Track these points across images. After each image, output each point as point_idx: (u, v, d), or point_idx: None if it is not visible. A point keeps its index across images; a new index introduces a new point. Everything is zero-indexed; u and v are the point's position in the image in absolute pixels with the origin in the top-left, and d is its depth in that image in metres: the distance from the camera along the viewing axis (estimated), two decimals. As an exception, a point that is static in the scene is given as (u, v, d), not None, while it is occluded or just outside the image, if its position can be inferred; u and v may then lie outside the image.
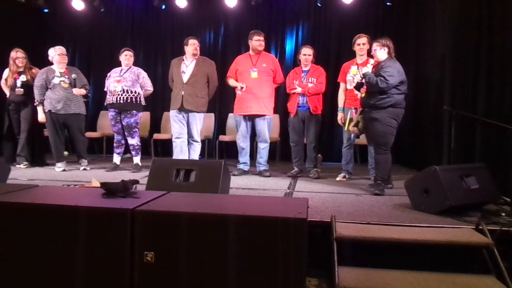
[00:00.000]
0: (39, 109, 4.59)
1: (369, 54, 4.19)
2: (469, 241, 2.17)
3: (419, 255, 2.25)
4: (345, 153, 4.31)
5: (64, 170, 4.52)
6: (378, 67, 3.54)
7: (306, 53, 4.46)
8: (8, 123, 4.98)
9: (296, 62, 4.95)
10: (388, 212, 2.75)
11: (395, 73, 3.40)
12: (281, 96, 5.58)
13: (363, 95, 3.68)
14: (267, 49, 6.02)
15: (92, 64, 6.87)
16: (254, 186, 3.76)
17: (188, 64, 4.49)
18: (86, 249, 1.99)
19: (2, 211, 2.08)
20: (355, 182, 4.11)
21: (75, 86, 4.58)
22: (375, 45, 3.60)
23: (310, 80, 4.43)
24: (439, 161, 4.15)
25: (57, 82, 4.51)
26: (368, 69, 3.58)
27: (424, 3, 5.22)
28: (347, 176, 4.29)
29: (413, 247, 2.21)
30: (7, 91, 4.89)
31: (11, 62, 4.83)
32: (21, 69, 4.81)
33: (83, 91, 4.67)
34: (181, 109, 4.41)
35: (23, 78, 4.76)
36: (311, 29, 6.40)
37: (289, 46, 6.48)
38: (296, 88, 4.42)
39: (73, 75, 4.61)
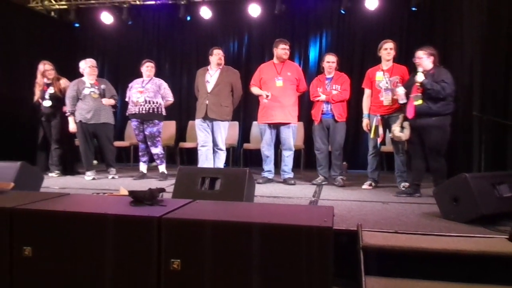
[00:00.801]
0: (70, 120, 4.75)
1: (393, 60, 4.15)
2: (502, 252, 2.09)
3: (449, 265, 2.18)
4: (370, 160, 4.25)
5: (93, 179, 4.65)
6: (427, 75, 3.50)
7: (330, 60, 4.45)
8: (42, 133, 5.19)
9: (319, 70, 4.94)
10: (416, 221, 2.69)
11: (452, 81, 3.46)
12: (305, 104, 5.57)
13: (401, 102, 3.65)
14: (291, 57, 6.04)
15: (120, 75, 7.06)
16: (279, 194, 3.75)
17: (212, 74, 4.56)
18: (114, 256, 2.04)
19: (36, 218, 2.16)
20: (382, 190, 4.04)
21: (104, 97, 4.72)
22: (422, 54, 3.57)
23: (334, 87, 4.41)
24: (469, 169, 4.03)
25: (87, 93, 4.67)
26: (423, 76, 3.48)
27: (450, 8, 5.12)
28: (373, 184, 4.22)
29: (442, 257, 2.14)
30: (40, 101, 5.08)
31: (38, 75, 5.03)
32: (50, 81, 5.00)
33: (112, 101, 4.81)
34: (206, 118, 4.48)
35: (51, 90, 4.96)
36: (335, 36, 6.39)
37: (313, 53, 6.48)
38: (320, 96, 4.41)
39: (102, 86, 4.76)
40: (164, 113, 4.77)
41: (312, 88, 4.57)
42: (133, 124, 4.76)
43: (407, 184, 3.90)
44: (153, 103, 4.63)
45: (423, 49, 3.60)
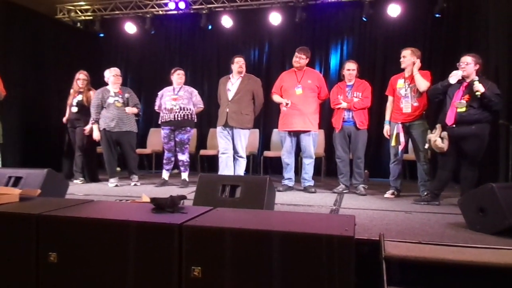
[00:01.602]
0: (95, 128, 4.87)
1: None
2: (532, 264, 2.01)
3: (475, 278, 2.12)
4: (392, 169, 4.18)
5: (116, 186, 4.73)
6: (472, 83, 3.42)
7: (350, 68, 4.43)
8: (67, 140, 5.33)
9: (340, 77, 4.92)
10: (441, 232, 2.62)
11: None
12: (326, 112, 5.55)
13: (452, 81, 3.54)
14: (312, 64, 6.04)
15: (143, 84, 7.21)
16: (299, 202, 3.73)
17: (234, 82, 4.60)
18: (136, 262, 2.07)
19: (61, 225, 2.22)
20: (404, 199, 3.97)
21: (127, 105, 4.82)
22: (470, 59, 3.49)
23: (355, 95, 4.37)
24: (495, 178, 3.92)
25: (111, 102, 4.78)
26: (480, 85, 3.37)
27: (476, 14, 5.03)
28: (395, 193, 4.15)
29: (468, 269, 2.08)
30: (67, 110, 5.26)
31: (74, 82, 5.22)
32: (82, 90, 5.15)
33: (134, 110, 4.90)
34: (226, 125, 4.51)
35: (79, 97, 5.11)
36: (356, 43, 6.36)
37: (334, 61, 6.46)
38: (341, 103, 4.38)
39: (126, 95, 4.85)
40: (195, 120, 4.84)
41: (332, 96, 4.54)
42: (164, 131, 4.81)
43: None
44: (187, 109, 4.71)
45: (472, 55, 3.52)
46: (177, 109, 4.68)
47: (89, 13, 7.34)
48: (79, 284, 2.15)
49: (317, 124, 4.53)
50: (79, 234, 2.17)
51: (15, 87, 5.58)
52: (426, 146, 3.74)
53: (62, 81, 6.47)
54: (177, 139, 4.75)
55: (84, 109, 5.07)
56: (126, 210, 2.47)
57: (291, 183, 4.56)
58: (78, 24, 7.43)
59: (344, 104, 4.36)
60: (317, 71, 4.95)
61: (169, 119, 4.71)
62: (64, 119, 5.31)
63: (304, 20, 6.30)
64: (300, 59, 4.50)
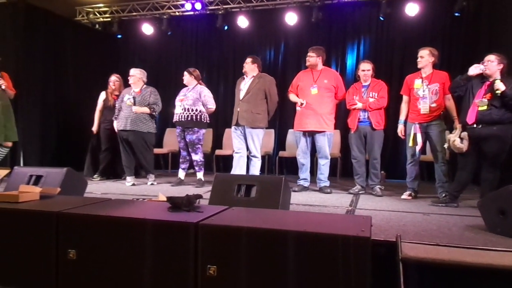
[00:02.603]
0: (114, 124, 5.03)
1: (433, 67, 4.03)
2: (555, 268, 1.96)
3: (494, 281, 2.08)
4: (409, 169, 4.13)
5: (133, 185, 4.80)
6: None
7: (365, 68, 4.40)
8: (96, 140, 5.42)
9: (356, 78, 4.88)
10: (459, 234, 2.58)
11: None
12: (342, 112, 5.51)
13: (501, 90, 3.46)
14: (328, 64, 6.01)
15: (160, 84, 7.25)
16: (315, 202, 3.72)
17: (246, 82, 4.61)
18: (152, 260, 2.09)
19: (80, 222, 2.26)
20: (422, 201, 3.91)
21: (135, 105, 4.83)
22: (494, 58, 3.41)
23: (371, 95, 4.33)
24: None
25: (126, 101, 4.86)
26: (503, 85, 3.29)
27: (497, 12, 4.92)
28: (412, 194, 4.09)
29: (487, 272, 2.04)
30: (98, 112, 5.44)
31: (108, 84, 5.41)
32: (116, 92, 5.29)
33: (142, 109, 4.81)
34: (238, 125, 4.52)
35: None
36: (373, 43, 6.30)
37: (350, 61, 6.41)
38: (356, 104, 4.35)
39: (141, 94, 4.88)
40: (205, 120, 4.84)
41: (348, 96, 4.51)
42: (176, 131, 4.89)
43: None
44: (192, 110, 4.72)
45: (496, 54, 3.44)
46: (181, 110, 4.72)
47: (107, 15, 7.47)
48: (97, 281, 2.19)
49: (332, 124, 4.50)
50: (97, 232, 2.21)
51: (37, 88, 5.72)
52: (446, 146, 3.68)
53: (81, 82, 6.63)
54: (187, 140, 4.79)
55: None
56: (143, 209, 2.50)
57: (306, 184, 4.55)
58: (97, 26, 7.55)
59: (359, 105, 4.33)
60: (334, 70, 4.91)
61: (177, 119, 4.78)
62: (97, 120, 5.44)
63: (320, 20, 6.28)
64: (309, 57, 4.49)
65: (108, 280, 2.16)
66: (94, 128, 5.43)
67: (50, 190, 2.89)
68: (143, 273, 2.11)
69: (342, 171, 5.86)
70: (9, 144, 4.66)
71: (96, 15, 7.49)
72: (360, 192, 4.36)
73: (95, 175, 5.27)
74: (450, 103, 3.97)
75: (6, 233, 2.40)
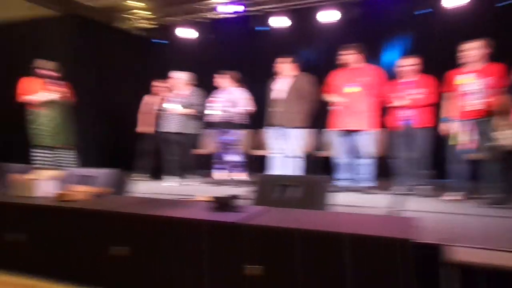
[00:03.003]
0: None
1: (485, 60, 3.86)
2: None
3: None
4: (457, 169, 3.97)
5: (176, 185, 4.94)
6: None
7: (407, 63, 4.28)
8: (142, 142, 5.64)
9: (397, 74, 4.75)
10: (510, 237, 2.46)
11: None
12: (384, 110, 5.38)
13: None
14: (367, 61, 5.88)
15: (200, 87, 7.41)
16: (357, 203, 3.66)
17: (283, 82, 4.61)
18: (195, 259, 2.15)
19: (130, 221, 2.37)
20: (471, 202, 3.75)
21: (185, 107, 5.00)
22: None
23: (415, 92, 4.21)
24: None
25: (171, 103, 5.03)
26: None
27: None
28: (460, 195, 3.94)
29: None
30: (141, 116, 5.69)
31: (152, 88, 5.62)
32: (160, 95, 5.50)
33: (187, 111, 5.00)
34: (276, 125, 4.53)
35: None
36: (415, 38, 6.10)
37: (390, 57, 6.25)
38: (397, 101, 4.24)
39: (188, 96, 5.04)
40: (242, 122, 4.91)
41: (388, 94, 4.41)
42: (213, 132, 4.99)
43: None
44: (230, 112, 4.80)
45: None
46: (220, 111, 4.81)
47: (150, 22, 7.70)
48: (148, 278, 2.28)
49: (373, 122, 4.41)
50: (146, 230, 2.31)
51: (88, 94, 6.02)
52: (498, 143, 3.51)
53: (127, 87, 6.89)
54: (224, 141, 4.87)
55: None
56: (187, 209, 2.58)
57: (348, 184, 4.49)
58: (141, 33, 7.82)
59: (400, 102, 4.22)
60: (378, 67, 4.79)
61: (213, 121, 4.87)
62: (141, 122, 5.66)
63: (359, 16, 6.17)
64: (344, 55, 4.42)
65: (157, 277, 2.25)
66: (140, 130, 5.63)
67: (102, 190, 3.05)
68: (188, 271, 2.18)
69: (385, 171, 5.72)
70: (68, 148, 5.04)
71: (138, 21, 7.75)
72: (405, 192, 4.25)
73: (142, 175, 5.46)
74: (504, 98, 3.77)
75: (61, 230, 2.56)
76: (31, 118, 4.87)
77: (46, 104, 4.82)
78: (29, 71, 4.91)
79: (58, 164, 4.97)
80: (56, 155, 4.99)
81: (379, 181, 5.25)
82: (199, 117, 5.09)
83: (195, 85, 5.32)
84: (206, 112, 4.93)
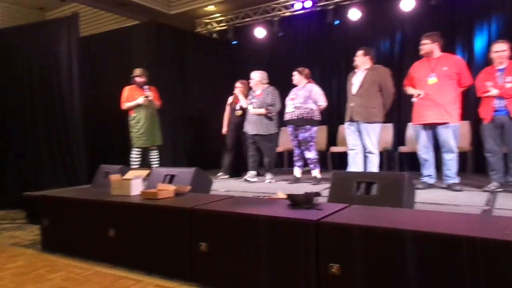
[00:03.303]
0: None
1: None
2: None
3: None
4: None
5: (256, 183, 5.04)
6: None
7: (499, 49, 3.88)
8: (230, 140, 5.88)
9: (487, 61, 4.34)
10: None
11: None
12: (472, 101, 4.96)
13: None
14: (453, 50, 5.48)
15: (274, 85, 7.47)
16: (443, 201, 3.41)
17: (359, 75, 4.45)
18: (273, 256, 2.17)
19: (209, 217, 2.46)
20: None
21: (257, 107, 5.11)
22: None
23: (507, 80, 3.82)
24: None
25: (247, 104, 5.13)
26: None
27: None
28: None
29: None
30: (226, 114, 5.82)
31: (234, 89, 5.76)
32: (240, 96, 5.58)
33: (258, 111, 5.07)
34: (352, 120, 4.39)
35: (241, 103, 5.56)
36: (507, 20, 5.53)
37: (479, 43, 5.74)
38: (489, 91, 3.87)
39: (254, 97, 5.17)
40: (317, 118, 4.85)
41: (479, 83, 4.04)
42: (288, 130, 5.00)
43: None
44: (303, 109, 4.77)
45: None
46: (293, 108, 4.78)
47: (223, 24, 7.96)
48: (226, 272, 2.35)
49: (457, 114, 4.06)
50: (225, 227, 2.38)
51: (167, 96, 6.37)
52: None
53: (203, 88, 7.18)
54: (299, 138, 4.84)
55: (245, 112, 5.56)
56: (264, 206, 2.61)
57: (431, 181, 4.21)
58: (214, 35, 8.11)
59: (493, 91, 3.85)
60: (456, 56, 4.42)
61: (288, 118, 4.85)
62: (225, 122, 5.84)
63: (441, 2, 5.75)
64: (423, 45, 4.12)
65: (235, 271, 2.31)
66: (224, 130, 5.83)
67: (182, 188, 3.21)
68: (265, 267, 2.20)
69: (474, 167, 5.29)
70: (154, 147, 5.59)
71: (213, 25, 8.04)
72: (498, 189, 3.87)
73: (219, 173, 5.66)
74: None
75: (147, 226, 2.74)
76: (131, 123, 5.49)
77: (142, 108, 5.43)
78: (129, 80, 5.54)
79: (149, 164, 5.45)
80: (148, 155, 5.60)
81: (467, 176, 4.86)
82: (271, 116, 5.12)
83: (269, 84, 5.35)
84: (287, 108, 4.93)
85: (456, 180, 4.06)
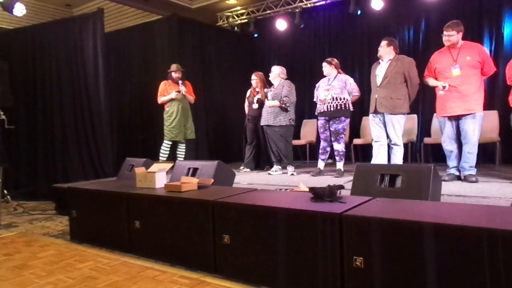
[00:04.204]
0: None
1: None
2: None
3: None
4: None
5: (278, 175, 5.05)
6: None
7: None
8: (249, 133, 5.89)
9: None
10: None
11: None
12: (500, 90, 4.81)
13: None
14: (480, 38, 5.32)
15: (295, 77, 7.41)
16: (470, 193, 3.33)
17: (383, 66, 4.37)
18: (297, 248, 2.17)
19: (232, 210, 2.48)
20: None
21: (269, 99, 5.18)
22: None
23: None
24: None
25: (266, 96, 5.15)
26: None
27: None
28: None
29: None
30: (246, 107, 5.84)
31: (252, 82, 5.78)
32: (258, 88, 5.64)
33: (273, 103, 5.12)
34: (376, 112, 4.32)
35: (258, 96, 5.59)
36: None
37: (509, 31, 5.53)
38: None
39: (271, 89, 5.22)
40: (351, 108, 4.81)
41: (509, 71, 3.89)
42: (319, 122, 4.94)
43: None
44: (340, 99, 4.71)
45: None
46: (330, 99, 4.71)
47: (244, 17, 7.94)
48: (249, 265, 2.37)
49: (481, 104, 3.93)
50: (247, 219, 2.40)
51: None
52: None
53: (224, 81, 7.21)
54: (332, 129, 4.78)
55: (262, 105, 5.55)
56: (287, 199, 2.61)
57: (457, 172, 4.11)
58: (235, 28, 8.10)
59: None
60: (477, 44, 4.24)
61: (323, 110, 4.78)
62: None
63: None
64: (449, 36, 3.97)
65: (258, 263, 2.33)
66: (247, 123, 5.87)
67: (205, 180, 3.24)
68: (287, 260, 2.20)
69: (503, 157, 5.13)
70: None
71: (234, 18, 8.03)
72: (527, 181, 3.75)
73: (241, 167, 5.68)
74: None
75: (171, 218, 2.79)
76: (165, 116, 5.63)
77: (175, 102, 5.56)
78: (153, 73, 5.58)
79: (175, 156, 5.58)
80: (176, 148, 5.76)
81: (495, 168, 4.72)
82: (286, 108, 5.10)
83: (286, 78, 5.34)
84: (319, 100, 4.89)
85: (473, 171, 3.95)
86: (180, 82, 5.55)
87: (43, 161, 5.82)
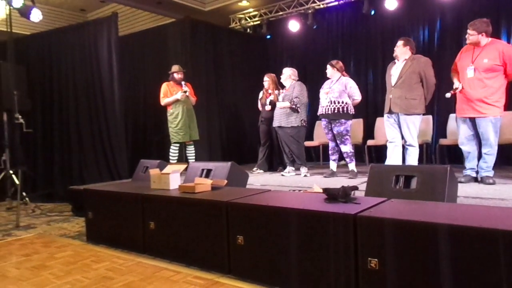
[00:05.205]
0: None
1: None
2: None
3: None
4: None
5: (291, 177, 5.04)
6: None
7: None
8: (262, 135, 5.90)
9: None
10: None
11: None
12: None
13: None
14: (497, 34, 5.21)
15: (307, 78, 7.41)
16: (488, 195, 3.27)
17: (398, 66, 4.32)
18: (309, 249, 2.16)
19: (246, 211, 2.49)
20: None
21: (281, 100, 5.19)
22: None
23: None
24: None
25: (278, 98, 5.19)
26: None
27: None
28: None
29: None
30: (260, 108, 5.85)
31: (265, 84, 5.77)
32: (270, 90, 5.64)
33: (283, 104, 5.13)
34: (391, 112, 4.27)
35: (271, 97, 5.58)
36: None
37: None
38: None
39: (283, 91, 5.24)
40: (351, 112, 4.77)
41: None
42: (322, 123, 4.95)
43: None
44: (338, 103, 4.70)
45: None
46: (327, 102, 4.71)
47: (256, 18, 7.96)
48: (263, 265, 2.37)
49: (499, 106, 3.81)
50: (261, 220, 2.40)
51: (202, 92, 6.48)
52: None
53: (237, 82, 7.24)
54: (334, 132, 4.78)
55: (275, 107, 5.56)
56: (301, 200, 2.60)
57: (474, 174, 4.04)
58: (248, 30, 8.13)
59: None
60: (503, 43, 4.13)
61: (322, 112, 4.82)
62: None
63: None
64: (469, 35, 3.91)
65: (271, 264, 2.33)
66: (259, 124, 5.89)
67: (219, 182, 3.26)
68: (301, 261, 2.20)
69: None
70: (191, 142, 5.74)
71: (247, 20, 8.06)
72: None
73: (254, 168, 5.69)
74: None
75: (186, 219, 2.81)
76: (170, 118, 5.64)
77: (179, 104, 5.56)
78: (167, 76, 5.65)
79: (186, 158, 5.60)
80: (185, 150, 5.76)
81: (508, 170, 4.63)
82: (296, 109, 5.08)
83: (297, 80, 5.33)
84: (321, 102, 4.88)
85: (490, 173, 3.88)
86: (183, 83, 5.56)
87: (59, 164, 5.92)
